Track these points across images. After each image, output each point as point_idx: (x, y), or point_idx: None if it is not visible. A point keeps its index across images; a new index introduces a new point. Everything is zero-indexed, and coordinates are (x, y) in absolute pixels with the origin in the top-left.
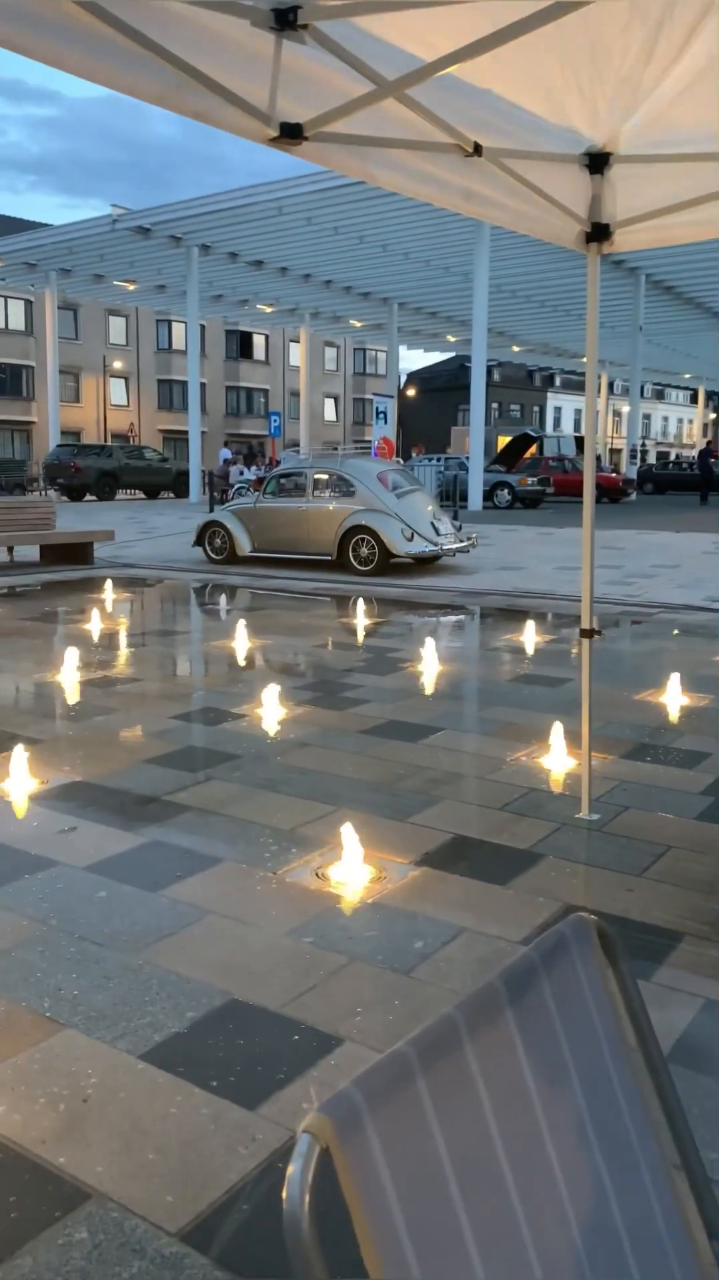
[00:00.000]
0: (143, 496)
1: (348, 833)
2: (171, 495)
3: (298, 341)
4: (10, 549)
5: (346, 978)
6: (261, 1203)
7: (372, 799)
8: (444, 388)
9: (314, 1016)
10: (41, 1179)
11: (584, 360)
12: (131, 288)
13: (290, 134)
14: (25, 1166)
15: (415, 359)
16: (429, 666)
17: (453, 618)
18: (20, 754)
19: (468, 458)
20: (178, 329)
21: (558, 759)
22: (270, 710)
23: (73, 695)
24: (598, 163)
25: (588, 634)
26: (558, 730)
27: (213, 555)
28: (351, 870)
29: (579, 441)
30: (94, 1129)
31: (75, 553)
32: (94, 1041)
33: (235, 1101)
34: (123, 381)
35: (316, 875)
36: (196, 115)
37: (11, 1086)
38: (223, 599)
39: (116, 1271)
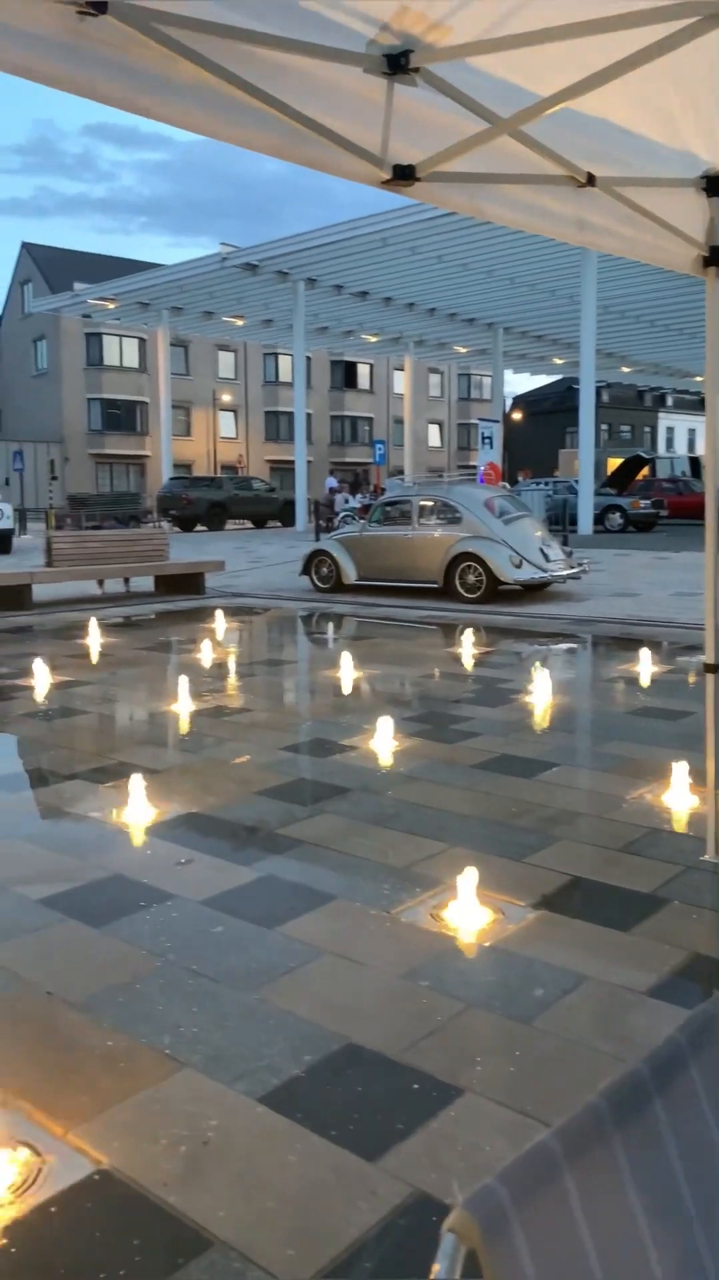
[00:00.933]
0: (251, 526)
1: (462, 872)
2: (278, 524)
3: (402, 369)
4: (127, 580)
5: (464, 1024)
6: (383, 1264)
7: (485, 837)
8: (551, 410)
9: (432, 1064)
10: (164, 1223)
11: (698, 379)
12: (240, 323)
13: (403, 176)
14: (148, 1209)
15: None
16: (541, 698)
17: (564, 647)
18: (137, 783)
19: (577, 481)
20: (284, 361)
21: (681, 797)
22: (379, 742)
23: (186, 725)
24: (716, 185)
25: (712, 669)
26: (680, 767)
27: (319, 584)
28: (467, 911)
29: (695, 462)
30: (214, 1174)
31: (188, 583)
32: (213, 1083)
33: (354, 1152)
34: (231, 414)
35: (431, 915)
36: (310, 163)
37: (134, 1125)
38: (330, 627)
39: None
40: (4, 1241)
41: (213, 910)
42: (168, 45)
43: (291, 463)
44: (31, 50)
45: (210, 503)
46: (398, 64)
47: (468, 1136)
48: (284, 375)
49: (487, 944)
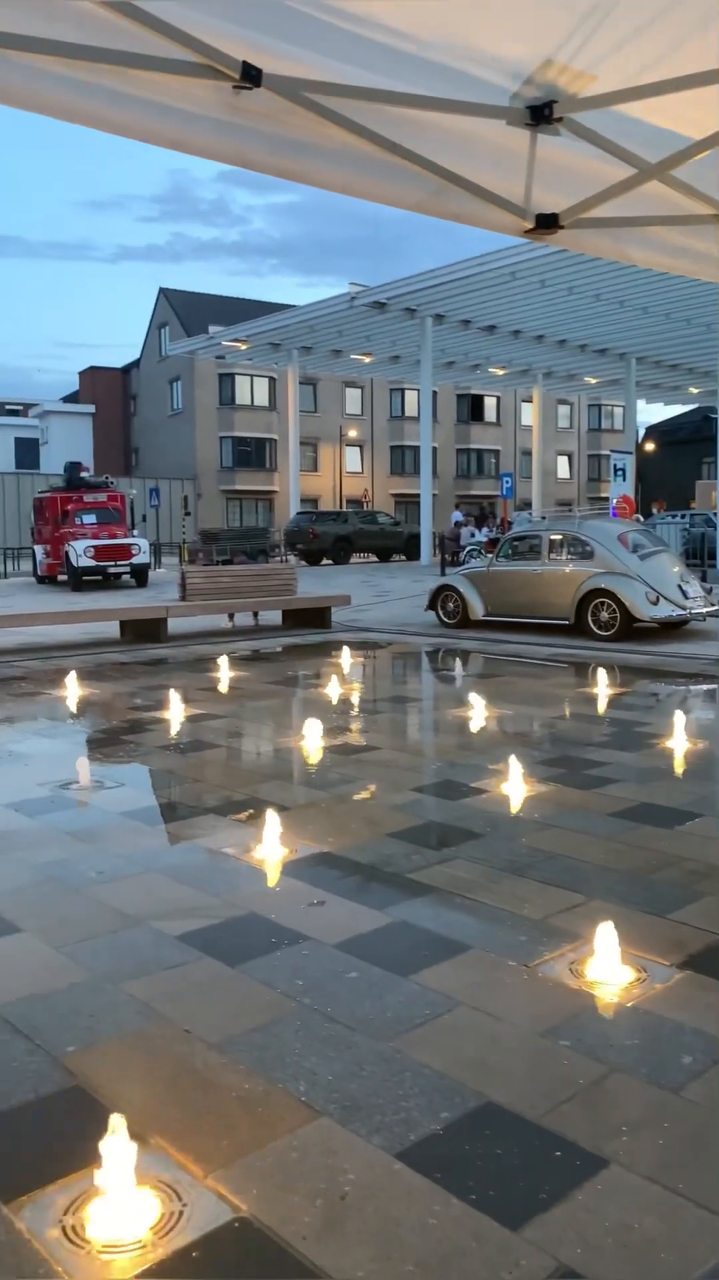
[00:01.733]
0: (376, 560)
1: (602, 926)
2: (403, 558)
3: (530, 401)
4: (256, 614)
5: (609, 1090)
6: None
7: (625, 890)
8: (687, 440)
9: (575, 1131)
10: (304, 1279)
11: None
12: (367, 360)
13: (546, 224)
14: (288, 1262)
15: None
16: (681, 743)
17: (705, 688)
18: (268, 819)
19: (715, 513)
20: (410, 396)
21: None
22: (511, 786)
23: (314, 761)
24: None
25: None
26: None
27: (446, 619)
28: (608, 969)
29: None
30: (353, 1230)
31: (314, 617)
32: (349, 1134)
33: (496, 1219)
34: (357, 449)
35: (570, 971)
36: (455, 217)
37: (270, 1173)
38: (457, 664)
39: None
40: None
41: (346, 955)
42: (317, 111)
43: (417, 496)
44: (187, 126)
45: (336, 537)
46: (541, 114)
47: (616, 1212)
48: (410, 410)
49: (629, 1004)
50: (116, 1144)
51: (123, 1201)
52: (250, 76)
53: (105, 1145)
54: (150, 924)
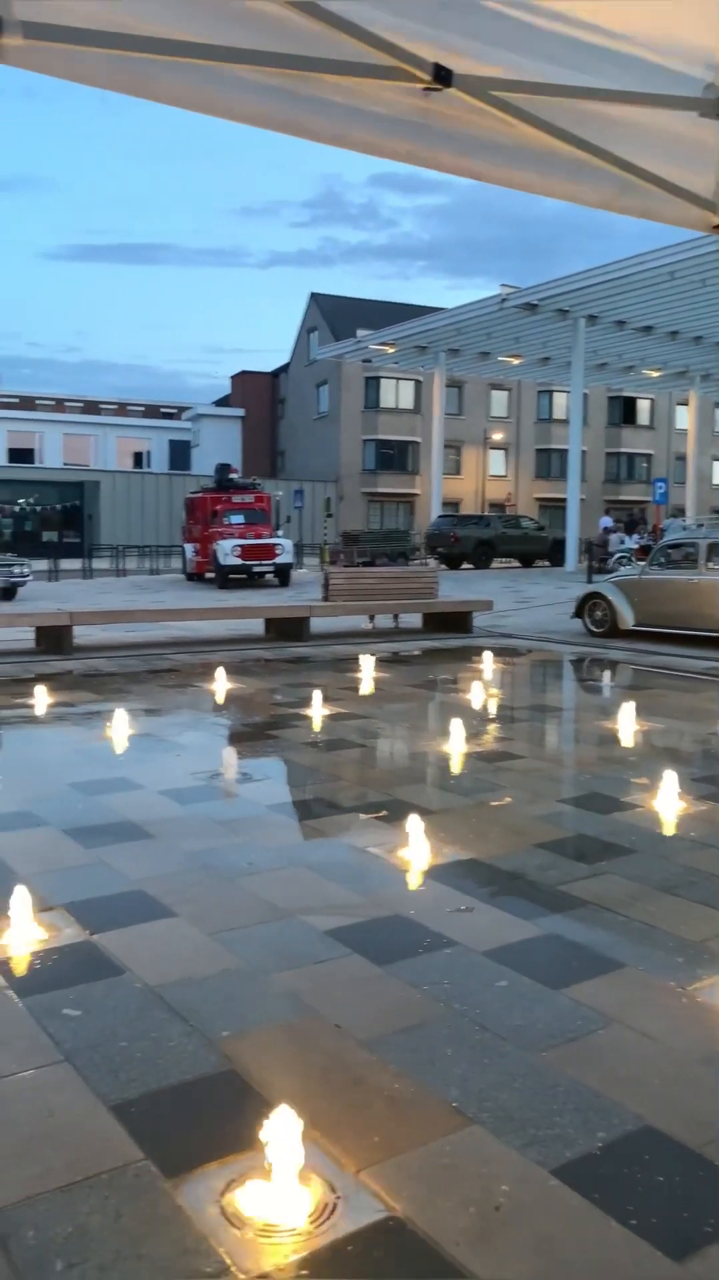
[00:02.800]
0: (518, 565)
1: None
2: (547, 564)
3: (686, 404)
4: (396, 616)
5: None
6: None
7: None
8: None
9: None
10: None
11: None
12: (516, 362)
13: None
14: (442, 1266)
15: None
16: None
17: None
18: (413, 823)
19: None
20: (559, 399)
21: None
22: (665, 802)
23: (458, 767)
24: None
25: None
26: None
27: (593, 628)
28: None
29: None
30: (508, 1242)
31: (455, 621)
32: (503, 1145)
33: (658, 1247)
34: (502, 452)
35: None
36: (640, 213)
37: (424, 1176)
38: (604, 674)
39: None
40: (305, 1272)
41: (495, 963)
42: (506, 110)
43: (562, 501)
44: (378, 129)
45: (478, 541)
46: None
47: None
48: (559, 412)
49: None
50: (277, 1131)
51: (280, 1188)
52: (441, 78)
53: (265, 1131)
54: (299, 918)
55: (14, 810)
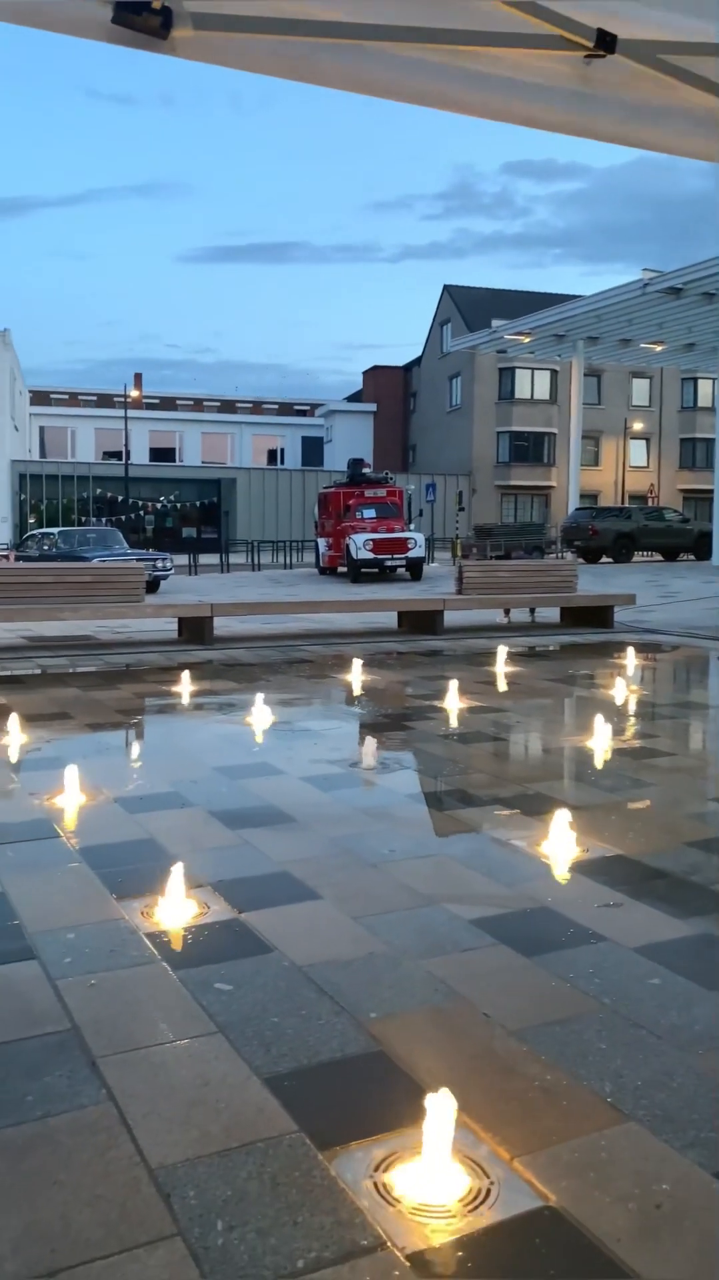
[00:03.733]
0: (660, 559)
1: None
2: (692, 557)
3: None
4: (533, 610)
5: None
6: None
7: None
8: None
9: None
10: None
11: None
12: (659, 349)
13: None
14: (603, 1261)
15: None
16: None
17: None
18: (557, 816)
19: None
20: (704, 386)
21: None
22: None
23: (600, 763)
24: None
25: None
26: None
27: None
28: None
29: None
30: (671, 1242)
31: (594, 616)
32: (661, 1144)
33: None
34: (643, 442)
35: None
36: None
37: (579, 1169)
38: None
39: None
40: (460, 1254)
41: (647, 960)
42: (670, 73)
43: (709, 492)
44: (537, 100)
45: (617, 534)
46: None
47: None
48: (704, 400)
49: None
50: (429, 1113)
51: (433, 1170)
52: (604, 43)
53: (416, 1112)
54: (443, 905)
55: (163, 791)
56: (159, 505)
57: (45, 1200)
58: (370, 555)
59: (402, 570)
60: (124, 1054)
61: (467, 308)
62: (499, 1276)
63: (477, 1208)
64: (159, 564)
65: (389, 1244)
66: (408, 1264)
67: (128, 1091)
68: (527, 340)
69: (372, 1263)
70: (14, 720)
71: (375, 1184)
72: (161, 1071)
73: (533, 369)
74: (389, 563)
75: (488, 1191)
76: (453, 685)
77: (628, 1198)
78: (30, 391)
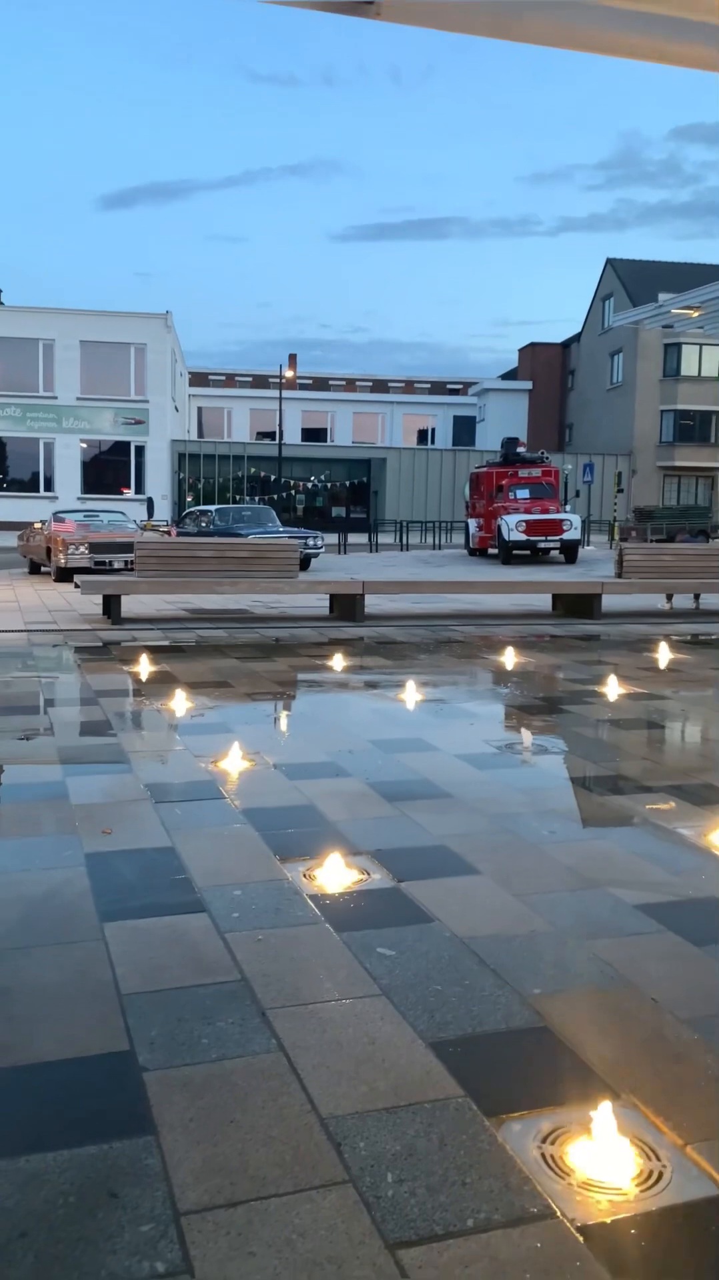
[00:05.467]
0: None
1: None
2: None
3: None
4: (697, 596)
5: None
6: None
7: None
8: None
9: None
10: None
11: None
12: None
13: None
14: None
15: None
16: None
17: None
18: None
19: None
20: None
21: None
22: None
23: None
24: None
25: None
26: None
27: None
28: None
29: None
30: None
31: None
32: None
33: None
34: None
35: None
36: None
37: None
38: None
39: None
40: (634, 1231)
41: None
42: None
43: None
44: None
45: None
46: None
47: None
48: None
49: None
50: (600, 1090)
51: (603, 1147)
52: None
53: (586, 1089)
54: (607, 889)
55: (321, 760)
56: (310, 485)
57: (224, 1136)
58: (523, 537)
59: (555, 553)
60: (292, 1008)
61: (631, 281)
62: (675, 1256)
63: (649, 1189)
64: (310, 542)
65: (559, 1214)
66: (579, 1236)
67: (297, 1043)
68: (695, 314)
69: (541, 1230)
70: (178, 687)
71: (543, 1155)
72: (329, 1027)
73: (701, 345)
74: (542, 544)
75: (660, 1174)
76: (611, 671)
77: None
78: (189, 373)
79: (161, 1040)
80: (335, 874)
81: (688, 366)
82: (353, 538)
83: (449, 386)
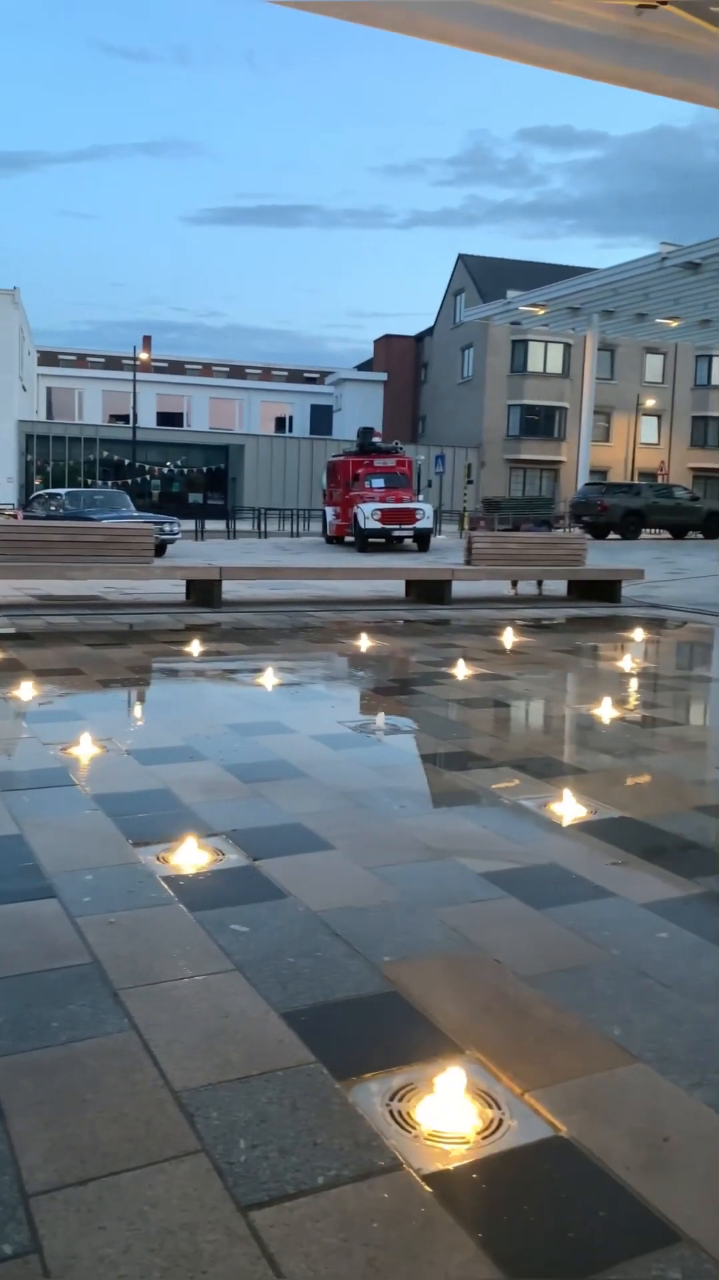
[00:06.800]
0: (668, 536)
1: None
2: (700, 536)
3: None
4: (540, 582)
5: None
6: None
7: None
8: None
9: None
10: (629, 1204)
11: None
12: (674, 324)
13: None
14: (611, 1187)
15: None
16: None
17: None
18: (565, 780)
19: None
20: (718, 364)
21: None
22: None
23: (607, 731)
24: None
25: None
26: None
27: None
28: None
29: None
30: (679, 1172)
31: (602, 590)
32: (669, 1083)
33: None
34: (655, 419)
35: None
36: None
37: (589, 1104)
38: None
39: None
40: (476, 1176)
41: (655, 915)
42: None
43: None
44: (588, 50)
45: (626, 510)
46: None
47: None
48: (717, 378)
49: None
50: (444, 1048)
51: (448, 1100)
52: None
53: (431, 1047)
54: (454, 859)
55: (176, 745)
56: (166, 470)
57: (74, 1116)
58: (378, 525)
59: (409, 541)
60: (145, 987)
61: (481, 277)
62: (513, 1197)
63: (490, 1136)
64: (166, 527)
65: (406, 1165)
66: (425, 1185)
67: (150, 1021)
68: (541, 312)
69: (389, 1181)
70: (25, 675)
71: (392, 1112)
72: (182, 1004)
73: (546, 342)
74: (397, 533)
75: (500, 1122)
76: (460, 653)
77: (637, 1130)
78: (38, 351)
79: (8, 1026)
80: (189, 855)
81: (534, 362)
82: (210, 524)
83: (307, 375)
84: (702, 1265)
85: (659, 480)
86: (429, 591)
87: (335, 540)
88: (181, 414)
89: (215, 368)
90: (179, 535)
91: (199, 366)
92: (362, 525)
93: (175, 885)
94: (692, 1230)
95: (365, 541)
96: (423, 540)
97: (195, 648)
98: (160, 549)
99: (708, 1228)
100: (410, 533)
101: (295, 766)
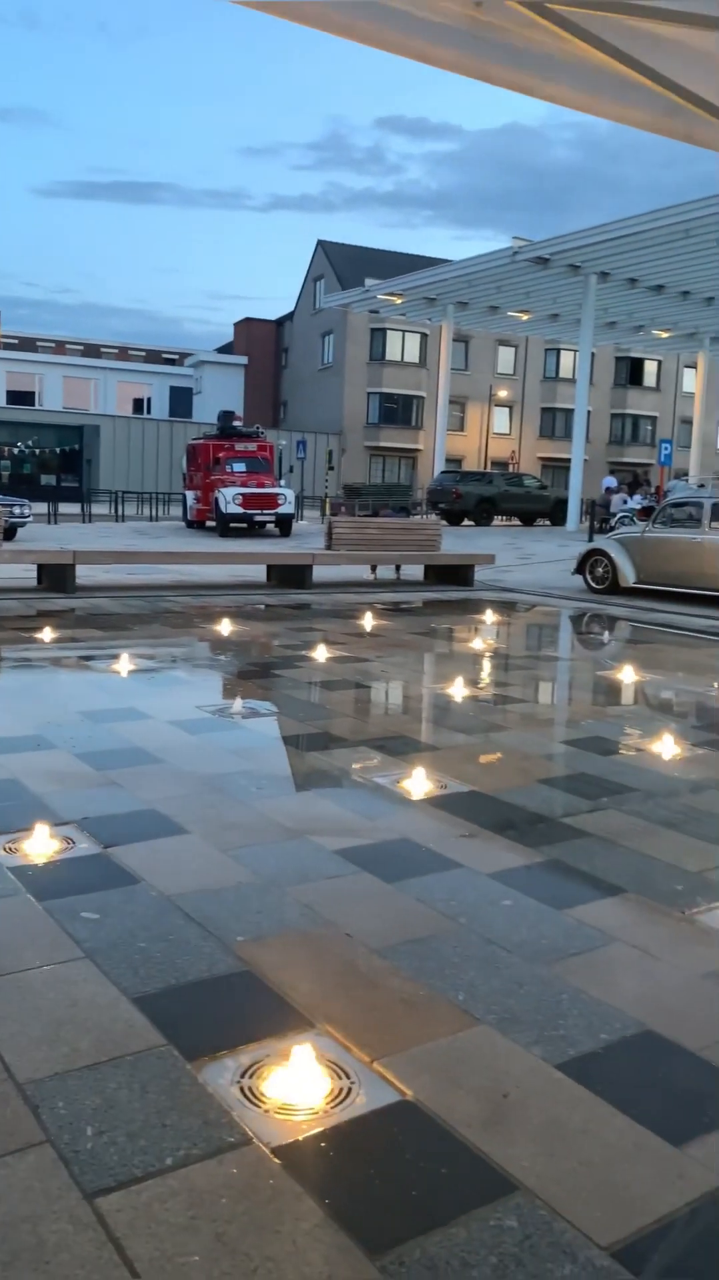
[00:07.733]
0: (519, 523)
1: None
2: (548, 523)
3: (694, 367)
4: (398, 567)
5: None
6: (696, 1241)
7: None
8: None
9: None
10: (470, 1159)
11: None
12: (525, 318)
13: None
14: (453, 1144)
15: None
16: None
17: None
18: (417, 757)
19: None
20: (566, 357)
21: None
22: (665, 748)
23: (459, 709)
24: None
25: None
26: None
27: (594, 584)
28: None
29: None
30: (517, 1125)
31: (456, 574)
32: (510, 1042)
33: (658, 1134)
34: (507, 410)
35: None
36: (686, 138)
37: (434, 1067)
38: (604, 629)
39: (548, 1269)
40: (324, 1144)
41: (500, 884)
42: (560, 25)
43: (565, 460)
44: (429, 37)
45: (480, 498)
46: None
47: None
48: (565, 371)
49: None
50: (294, 1022)
51: (297, 1073)
52: None
53: (281, 1022)
54: (309, 838)
55: (26, 734)
56: (16, 450)
57: None
58: (240, 510)
59: (271, 526)
60: None
61: (341, 265)
62: (360, 1162)
63: (339, 1104)
64: (16, 510)
65: (255, 1140)
66: (274, 1157)
67: None
68: (399, 301)
69: (238, 1157)
70: None
71: (242, 1088)
72: (29, 994)
73: (404, 331)
74: (258, 518)
75: (349, 1090)
76: (320, 637)
77: (479, 1090)
78: None
79: None
80: (37, 845)
81: (392, 351)
82: (64, 507)
83: (165, 356)
84: (536, 1212)
85: (510, 469)
86: (290, 576)
87: (196, 525)
88: (33, 393)
89: (69, 345)
90: (30, 518)
91: (52, 344)
92: (223, 510)
93: (23, 875)
94: (527, 1180)
95: (227, 526)
96: (285, 525)
97: (47, 634)
98: (10, 532)
99: (542, 1175)
100: (272, 518)
101: (151, 753)
